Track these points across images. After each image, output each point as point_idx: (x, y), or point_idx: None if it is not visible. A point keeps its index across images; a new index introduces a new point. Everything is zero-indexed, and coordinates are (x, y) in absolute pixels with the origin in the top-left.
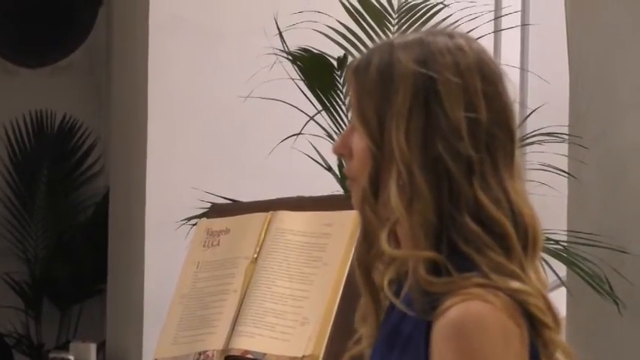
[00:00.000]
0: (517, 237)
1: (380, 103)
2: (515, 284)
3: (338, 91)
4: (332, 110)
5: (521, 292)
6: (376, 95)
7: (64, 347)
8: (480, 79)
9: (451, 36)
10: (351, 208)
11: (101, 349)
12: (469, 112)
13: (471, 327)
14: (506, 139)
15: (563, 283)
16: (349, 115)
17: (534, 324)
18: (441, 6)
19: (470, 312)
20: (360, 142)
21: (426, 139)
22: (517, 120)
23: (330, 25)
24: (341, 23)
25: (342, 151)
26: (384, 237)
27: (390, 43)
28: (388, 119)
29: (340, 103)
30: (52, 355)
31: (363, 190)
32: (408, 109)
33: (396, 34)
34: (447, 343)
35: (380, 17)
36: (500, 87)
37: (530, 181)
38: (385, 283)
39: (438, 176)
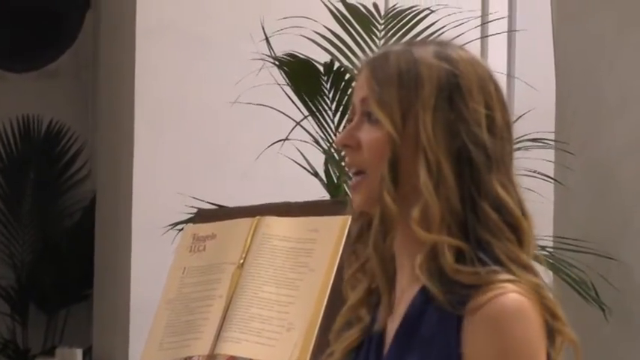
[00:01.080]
0: (528, 230)
1: (404, 94)
2: (533, 278)
3: (324, 97)
4: (318, 115)
5: (539, 286)
6: (400, 86)
7: (51, 353)
8: (493, 86)
9: (463, 49)
10: (337, 213)
11: (87, 354)
12: (488, 110)
13: (513, 316)
14: (512, 144)
15: (549, 289)
16: (336, 119)
17: (549, 315)
18: (427, 12)
19: (510, 304)
20: (374, 133)
21: (451, 129)
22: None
23: (317, 31)
24: (328, 29)
25: (350, 143)
26: (414, 216)
27: (407, 47)
28: (414, 110)
29: (327, 108)
30: None
31: (382, 177)
32: (435, 101)
33: (383, 40)
34: (489, 334)
35: (366, 23)
36: (504, 98)
37: None
38: (417, 265)
39: (462, 165)
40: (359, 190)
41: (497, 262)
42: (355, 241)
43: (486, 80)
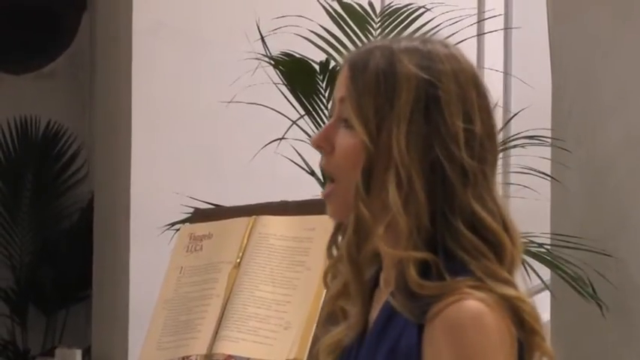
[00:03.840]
0: (509, 246)
1: (381, 103)
2: (509, 291)
3: (320, 96)
4: (314, 114)
5: (515, 299)
6: (377, 95)
7: (50, 353)
8: (475, 91)
9: (446, 45)
10: None
11: (87, 354)
12: (466, 123)
13: (468, 323)
14: (494, 152)
15: (546, 287)
16: (331, 112)
17: (524, 329)
18: (423, 10)
19: (466, 309)
20: (349, 139)
21: (425, 143)
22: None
23: (312, 30)
24: (323, 27)
25: (323, 145)
26: (379, 233)
27: (388, 47)
28: (388, 120)
29: (323, 107)
30: None
31: (356, 186)
32: (410, 113)
33: (379, 38)
34: (443, 340)
35: (362, 21)
36: (489, 101)
37: (513, 184)
38: (383, 278)
39: (435, 181)
40: (331, 200)
41: (472, 276)
42: (335, 231)
43: (467, 88)
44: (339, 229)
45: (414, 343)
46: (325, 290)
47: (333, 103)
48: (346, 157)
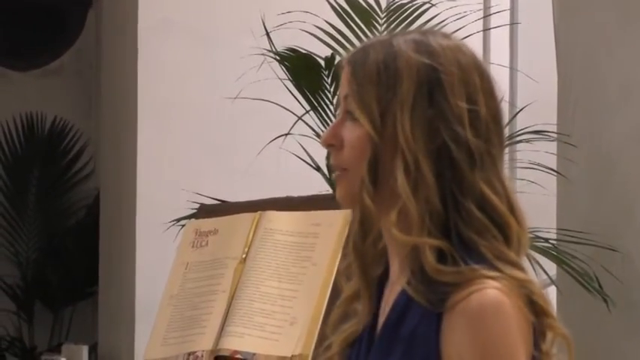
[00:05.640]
0: (515, 227)
1: (383, 92)
2: (520, 274)
3: (326, 91)
4: (320, 110)
5: (527, 282)
6: (379, 84)
7: (57, 349)
8: (478, 75)
9: (446, 36)
10: (338, 207)
11: (93, 351)
12: (470, 105)
13: (490, 313)
14: (499, 135)
15: (552, 282)
16: (337, 111)
17: (536, 312)
18: (428, 5)
19: (488, 299)
20: (355, 131)
21: (430, 127)
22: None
23: (318, 25)
24: (328, 23)
25: (333, 142)
26: (392, 219)
27: (387, 39)
28: (392, 108)
29: (328, 102)
30: (44, 357)
31: (361, 178)
32: (413, 98)
33: (384, 34)
34: (466, 330)
35: (367, 17)
36: (494, 85)
37: (520, 179)
38: (398, 266)
39: (443, 164)
40: (340, 184)
41: (483, 259)
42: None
43: (470, 71)
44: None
45: (432, 331)
46: (330, 285)
47: (338, 102)
48: (353, 149)
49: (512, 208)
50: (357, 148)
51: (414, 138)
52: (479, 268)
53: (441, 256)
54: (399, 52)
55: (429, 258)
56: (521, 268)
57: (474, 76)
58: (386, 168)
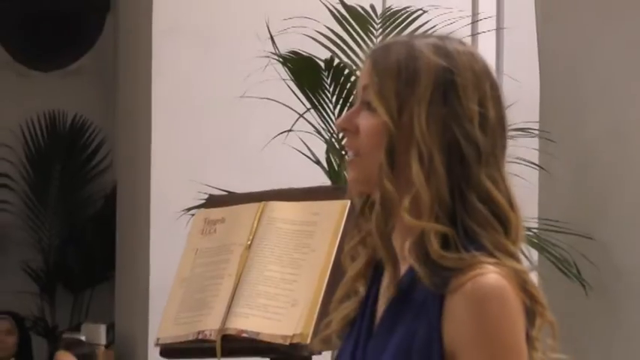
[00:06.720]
0: (515, 221)
1: (402, 87)
2: (516, 264)
3: (326, 91)
4: (320, 108)
5: (522, 272)
6: (398, 80)
7: (77, 328)
8: (488, 82)
9: (462, 42)
10: (337, 198)
11: (110, 329)
12: (481, 108)
13: (491, 295)
14: (503, 138)
15: (534, 268)
16: (336, 111)
17: (529, 299)
18: (420, 12)
19: (489, 282)
20: (371, 120)
21: (444, 123)
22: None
23: (318, 30)
24: (328, 28)
25: (348, 127)
26: (405, 205)
27: (408, 40)
28: (409, 103)
29: (327, 101)
30: (65, 335)
31: (380, 164)
32: (430, 96)
33: (380, 38)
34: (468, 312)
35: (364, 22)
36: (500, 93)
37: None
38: (406, 248)
39: (453, 159)
40: (353, 167)
41: (483, 249)
42: (358, 214)
43: (482, 78)
44: (361, 212)
45: (435, 313)
46: (329, 270)
47: (356, 93)
48: (369, 136)
49: (511, 203)
50: (373, 135)
51: (429, 132)
52: (479, 255)
53: (445, 243)
54: (420, 53)
55: (434, 243)
56: (517, 259)
57: (485, 83)
58: (401, 157)
